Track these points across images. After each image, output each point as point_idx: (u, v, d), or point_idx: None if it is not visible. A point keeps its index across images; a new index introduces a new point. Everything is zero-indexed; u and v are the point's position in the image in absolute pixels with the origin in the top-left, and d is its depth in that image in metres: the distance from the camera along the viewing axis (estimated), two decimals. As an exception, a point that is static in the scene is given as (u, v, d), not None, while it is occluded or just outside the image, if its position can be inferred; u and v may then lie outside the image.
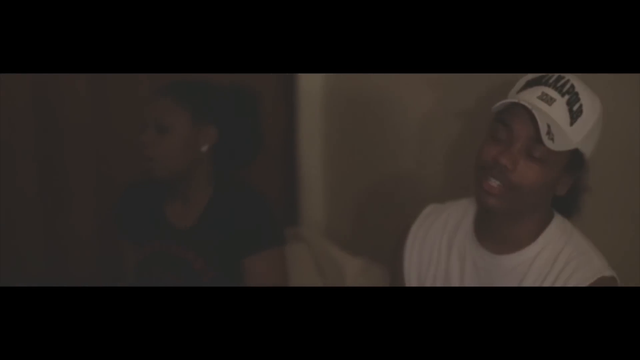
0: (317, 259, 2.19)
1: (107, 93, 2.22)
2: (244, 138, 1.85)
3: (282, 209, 2.43)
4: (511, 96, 1.44)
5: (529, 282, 1.44)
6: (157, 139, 1.77)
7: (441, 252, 1.55)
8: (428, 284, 1.56)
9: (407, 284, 1.59)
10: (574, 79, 1.41)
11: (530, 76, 1.45)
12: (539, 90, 1.40)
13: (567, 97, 1.39)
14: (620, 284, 1.45)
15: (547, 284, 1.43)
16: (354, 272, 2.11)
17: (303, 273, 2.11)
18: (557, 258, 1.44)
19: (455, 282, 1.52)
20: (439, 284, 1.54)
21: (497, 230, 1.48)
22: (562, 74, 1.41)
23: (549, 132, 1.34)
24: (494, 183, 1.39)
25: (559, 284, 1.42)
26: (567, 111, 1.38)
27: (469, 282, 1.50)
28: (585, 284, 1.40)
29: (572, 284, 1.41)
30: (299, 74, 2.35)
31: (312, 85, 2.35)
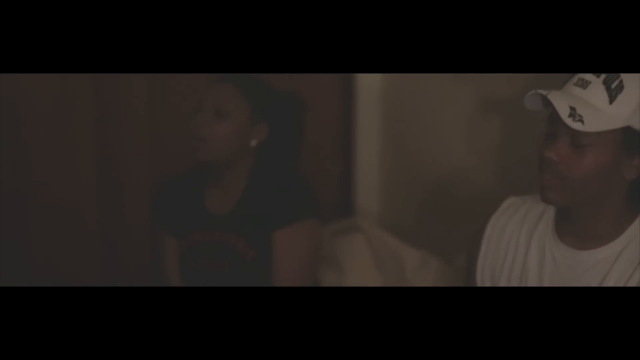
0: (376, 250, 2.18)
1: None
2: (289, 142, 1.91)
3: (337, 202, 2.46)
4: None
5: (612, 279, 1.42)
6: (214, 121, 1.81)
7: (519, 245, 1.53)
8: (504, 277, 1.53)
9: (480, 276, 1.57)
10: None
11: None
12: (576, 77, 1.40)
13: (603, 76, 1.38)
14: None
15: (633, 280, 1.40)
16: (414, 265, 2.11)
17: (361, 264, 2.12)
18: None
19: (533, 277, 1.50)
20: (514, 278, 1.52)
21: (576, 225, 1.46)
22: None
23: (572, 115, 1.34)
24: (547, 177, 1.40)
25: None
26: (604, 90, 1.37)
27: (548, 277, 1.48)
28: None
29: None
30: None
31: (370, 80, 2.38)
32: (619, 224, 1.44)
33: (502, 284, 1.54)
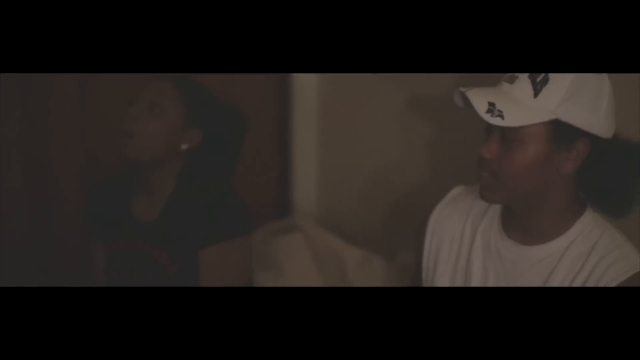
0: (316, 249, 2.17)
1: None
2: (223, 153, 1.84)
3: (274, 201, 2.45)
4: None
5: (559, 276, 1.41)
6: (146, 116, 1.76)
7: (464, 237, 1.52)
8: (449, 270, 1.52)
9: (426, 269, 1.56)
10: None
11: None
12: (509, 74, 1.40)
13: (530, 72, 1.38)
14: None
15: (580, 277, 1.40)
16: (355, 263, 2.10)
17: (301, 264, 2.10)
18: (591, 251, 1.40)
19: (477, 272, 1.49)
20: (459, 274, 1.51)
21: (520, 221, 1.46)
22: None
23: (491, 110, 1.34)
24: (483, 175, 1.40)
25: (593, 278, 1.38)
26: (529, 84, 1.37)
27: (493, 271, 1.47)
28: (621, 278, 1.37)
29: (607, 278, 1.38)
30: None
31: (306, 81, 2.38)
32: (564, 220, 1.44)
33: (447, 276, 1.53)
